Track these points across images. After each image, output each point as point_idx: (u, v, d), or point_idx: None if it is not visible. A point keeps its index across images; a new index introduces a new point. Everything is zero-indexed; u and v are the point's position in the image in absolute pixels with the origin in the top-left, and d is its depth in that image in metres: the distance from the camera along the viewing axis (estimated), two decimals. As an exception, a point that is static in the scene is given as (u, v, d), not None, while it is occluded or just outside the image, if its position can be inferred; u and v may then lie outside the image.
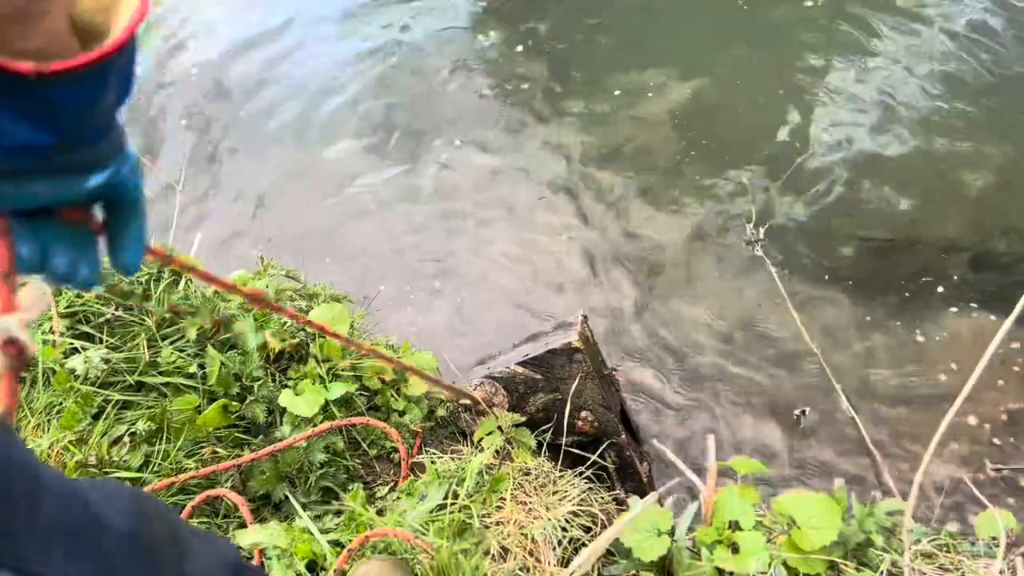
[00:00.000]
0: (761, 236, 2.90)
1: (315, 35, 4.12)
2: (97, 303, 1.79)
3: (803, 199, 3.02)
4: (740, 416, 2.48)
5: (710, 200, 3.06)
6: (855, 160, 3.11)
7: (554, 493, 1.43)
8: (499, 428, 1.48)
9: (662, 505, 1.48)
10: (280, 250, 2.97)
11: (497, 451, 1.48)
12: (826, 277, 2.79)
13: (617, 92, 3.53)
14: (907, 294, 2.69)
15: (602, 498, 1.48)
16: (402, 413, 1.98)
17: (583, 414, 1.91)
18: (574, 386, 1.83)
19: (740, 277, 2.82)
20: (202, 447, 1.75)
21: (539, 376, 1.87)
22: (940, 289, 2.69)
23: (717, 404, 2.51)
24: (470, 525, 1.30)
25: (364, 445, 1.80)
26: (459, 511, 1.37)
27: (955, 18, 3.60)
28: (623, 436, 1.98)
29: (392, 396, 2.01)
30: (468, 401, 1.85)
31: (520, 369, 1.82)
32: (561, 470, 1.55)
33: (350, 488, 1.67)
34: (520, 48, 3.86)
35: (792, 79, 3.45)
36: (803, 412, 2.44)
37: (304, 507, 1.61)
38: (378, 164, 3.38)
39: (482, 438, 1.56)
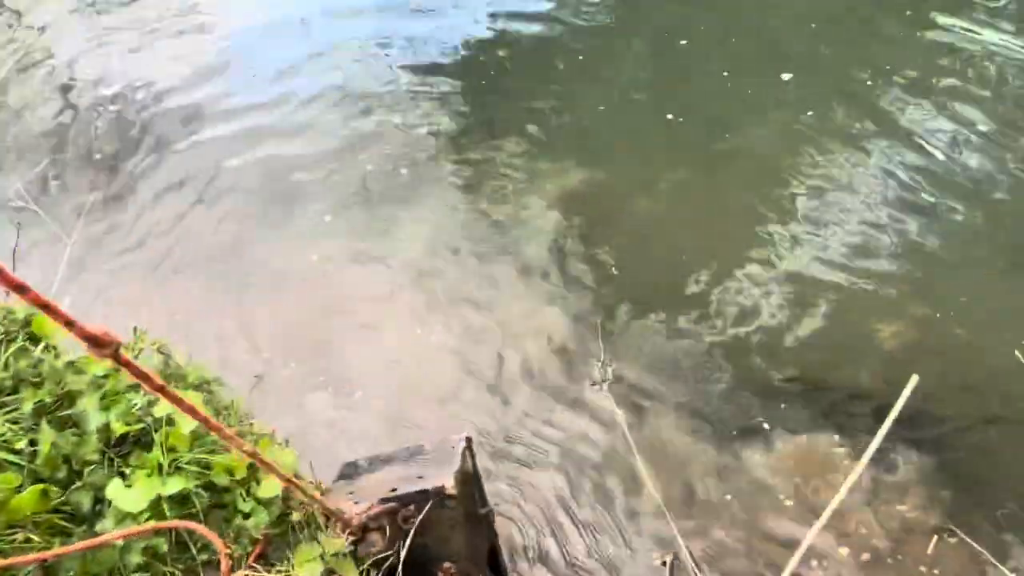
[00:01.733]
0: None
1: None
2: (-72, 360, 1.67)
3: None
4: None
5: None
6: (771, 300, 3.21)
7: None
8: (321, 556, 1.39)
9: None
10: (167, 320, 2.87)
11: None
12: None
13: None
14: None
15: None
16: (247, 516, 1.87)
17: (446, 565, 1.80)
18: (439, 533, 1.74)
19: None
20: (15, 532, 1.61)
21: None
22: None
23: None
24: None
25: (194, 549, 1.68)
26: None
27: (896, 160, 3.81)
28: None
29: (241, 496, 1.90)
30: (325, 511, 1.75)
31: (382, 508, 1.71)
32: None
33: (165, 598, 1.55)
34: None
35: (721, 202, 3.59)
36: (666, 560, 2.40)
37: (107, 616, 1.48)
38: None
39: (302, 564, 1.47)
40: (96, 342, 0.77)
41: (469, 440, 1.91)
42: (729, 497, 2.46)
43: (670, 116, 4.05)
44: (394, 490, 1.72)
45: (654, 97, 4.24)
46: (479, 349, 2.88)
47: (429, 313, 3.02)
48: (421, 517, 1.69)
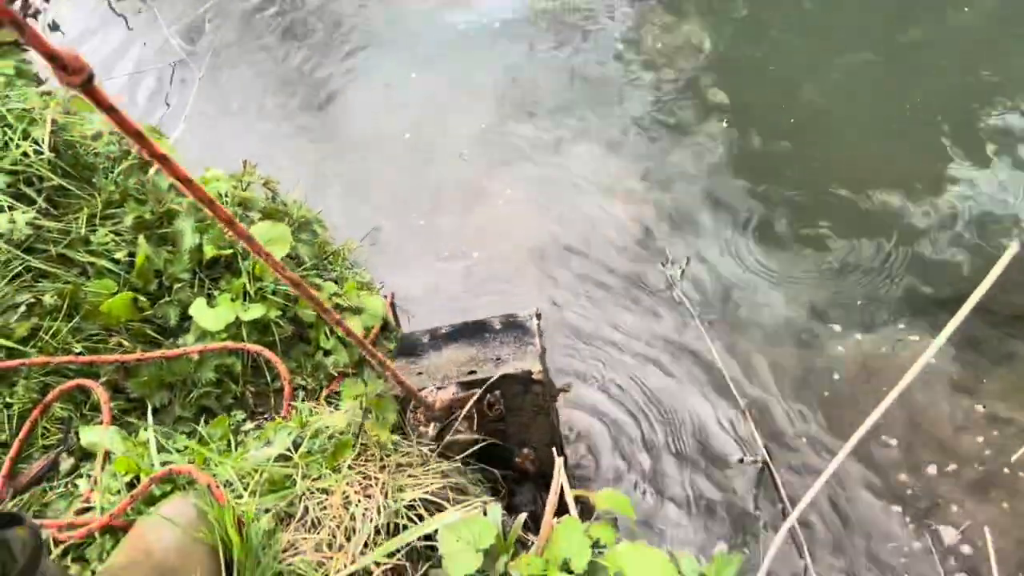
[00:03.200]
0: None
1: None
2: (45, 167, 1.76)
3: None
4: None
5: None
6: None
7: (409, 476, 1.31)
8: (363, 395, 1.35)
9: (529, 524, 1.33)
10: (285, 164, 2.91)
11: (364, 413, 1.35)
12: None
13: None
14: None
15: (464, 497, 1.35)
16: (328, 353, 1.89)
17: (525, 451, 1.71)
18: (522, 420, 1.65)
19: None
20: (111, 336, 1.71)
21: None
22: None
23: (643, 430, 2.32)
24: (286, 484, 1.20)
25: (268, 376, 1.72)
26: (297, 467, 1.27)
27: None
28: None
29: (325, 333, 1.92)
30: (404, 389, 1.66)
31: (468, 394, 1.59)
32: (440, 459, 1.42)
33: (233, 413, 1.60)
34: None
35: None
36: (744, 459, 2.22)
37: (176, 421, 1.55)
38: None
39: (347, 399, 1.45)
40: (63, 65, 0.65)
41: (539, 315, 1.77)
42: (812, 399, 2.23)
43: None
44: (472, 372, 1.60)
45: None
46: (590, 232, 2.73)
47: (551, 193, 2.87)
48: (506, 403, 1.60)
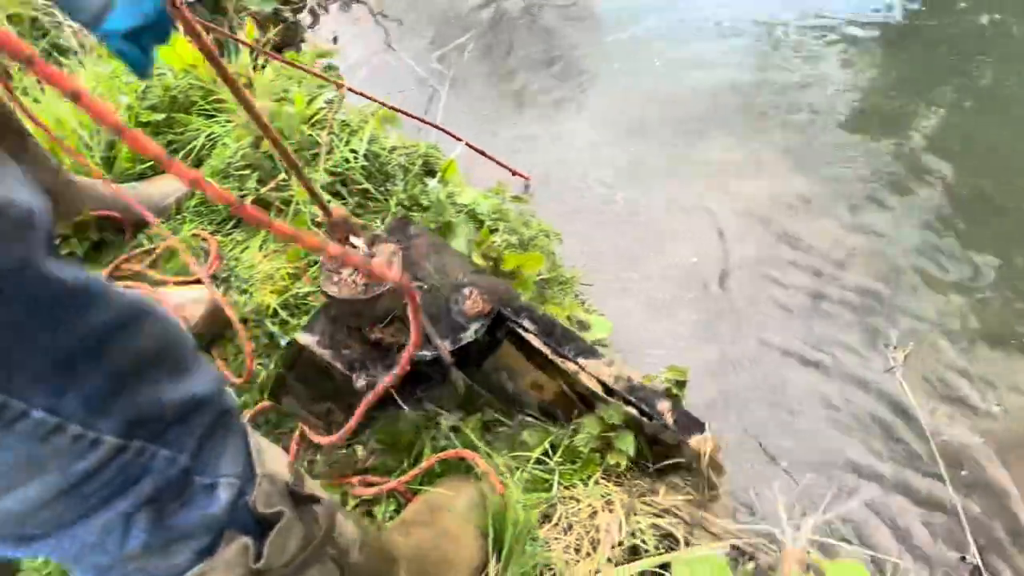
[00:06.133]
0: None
1: None
2: (359, 172, 2.08)
3: None
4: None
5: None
6: None
7: (642, 501, 1.46)
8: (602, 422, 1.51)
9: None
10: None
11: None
12: None
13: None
14: None
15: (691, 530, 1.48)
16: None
17: None
18: None
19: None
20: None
21: None
22: None
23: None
24: (545, 486, 1.39)
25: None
26: (554, 472, 1.45)
27: None
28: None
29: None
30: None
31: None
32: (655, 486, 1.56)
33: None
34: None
35: None
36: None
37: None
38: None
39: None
40: None
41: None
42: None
43: None
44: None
45: None
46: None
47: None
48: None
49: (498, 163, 2.53)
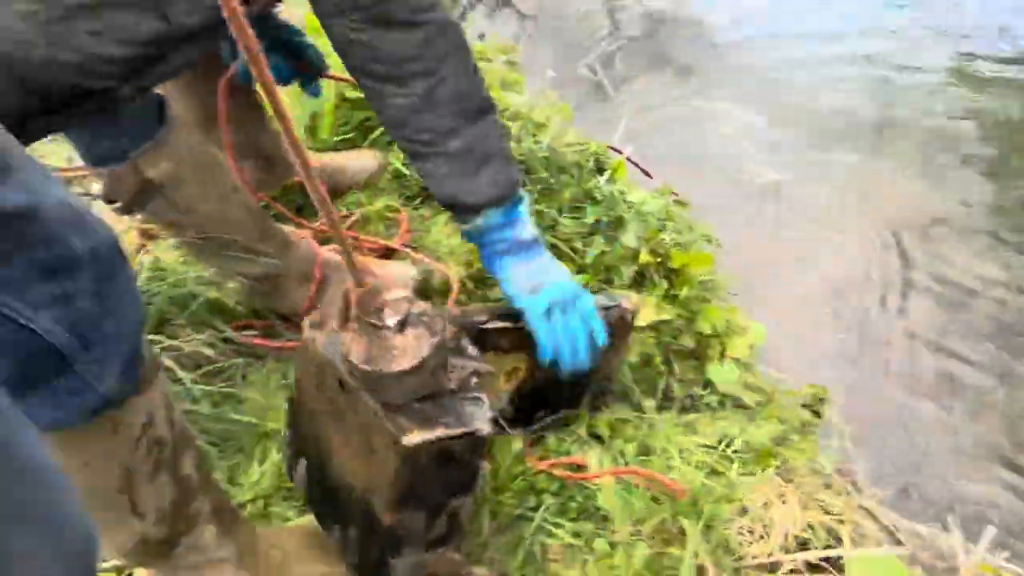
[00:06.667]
0: None
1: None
2: (540, 162, 2.20)
3: None
4: None
5: None
6: None
7: (814, 500, 1.50)
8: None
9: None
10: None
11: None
12: None
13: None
14: None
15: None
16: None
17: None
18: None
19: None
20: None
21: None
22: None
23: None
24: (718, 471, 1.46)
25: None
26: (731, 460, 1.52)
27: None
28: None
29: (714, 356, 2.17)
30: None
31: None
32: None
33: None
34: None
35: None
36: None
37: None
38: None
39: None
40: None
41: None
42: None
43: None
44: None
45: None
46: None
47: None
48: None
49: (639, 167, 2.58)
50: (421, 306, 1.06)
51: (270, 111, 2.16)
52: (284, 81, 1.86)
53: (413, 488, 1.05)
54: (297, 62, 1.82)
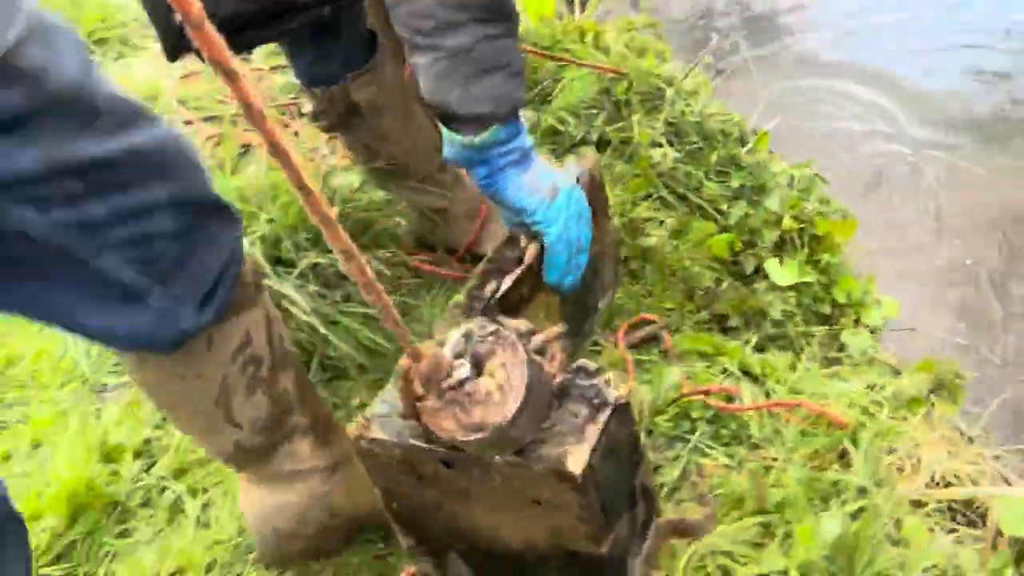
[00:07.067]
0: None
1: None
2: (692, 127, 2.30)
3: None
4: None
5: None
6: None
7: (948, 452, 1.57)
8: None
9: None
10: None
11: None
12: None
13: None
14: None
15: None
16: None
17: None
18: None
19: None
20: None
21: None
22: None
23: None
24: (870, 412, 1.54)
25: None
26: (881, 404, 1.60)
27: None
28: None
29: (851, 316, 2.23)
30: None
31: None
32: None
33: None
34: None
35: None
36: None
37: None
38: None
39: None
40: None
41: None
42: None
43: None
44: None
45: None
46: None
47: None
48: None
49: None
50: (474, 328, 0.89)
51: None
52: None
53: (604, 504, 0.93)
54: None
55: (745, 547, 1.24)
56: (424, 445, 0.92)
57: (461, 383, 0.85)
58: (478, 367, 0.86)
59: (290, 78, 2.58)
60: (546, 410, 0.91)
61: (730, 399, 1.62)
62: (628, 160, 2.23)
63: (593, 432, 0.90)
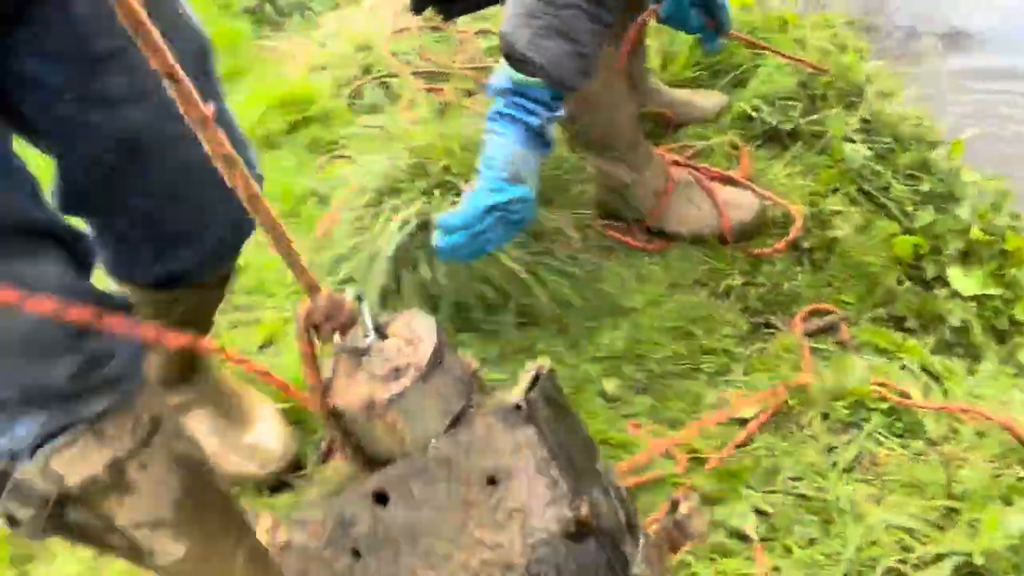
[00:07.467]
0: None
1: None
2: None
3: None
4: None
5: None
6: None
7: None
8: None
9: None
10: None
11: None
12: None
13: None
14: None
15: None
16: None
17: None
18: None
19: None
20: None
21: None
22: None
23: None
24: None
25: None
26: None
27: None
28: None
29: None
30: None
31: None
32: None
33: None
34: None
35: None
36: None
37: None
38: None
39: None
40: None
41: None
42: None
43: None
44: None
45: None
46: None
47: None
48: None
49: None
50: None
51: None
52: (692, 31, 2.01)
53: (562, 459, 0.85)
54: (709, 19, 1.97)
55: (928, 526, 1.31)
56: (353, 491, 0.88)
57: (367, 349, 0.82)
58: (381, 334, 0.85)
59: (493, 41, 2.75)
60: (461, 386, 0.85)
61: (904, 396, 1.67)
62: (819, 153, 2.27)
63: (525, 381, 0.89)
